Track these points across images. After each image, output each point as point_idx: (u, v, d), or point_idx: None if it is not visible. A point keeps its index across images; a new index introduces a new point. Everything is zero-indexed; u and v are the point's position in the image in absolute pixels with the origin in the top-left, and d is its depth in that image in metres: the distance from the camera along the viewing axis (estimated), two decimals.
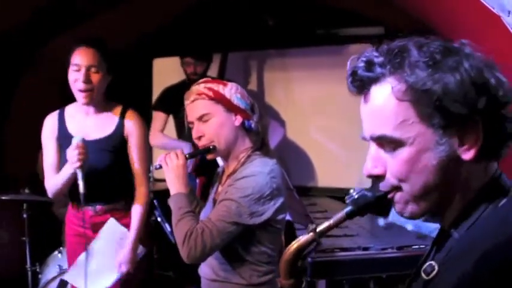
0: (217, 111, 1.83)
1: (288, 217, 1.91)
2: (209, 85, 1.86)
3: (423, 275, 0.87)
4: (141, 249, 2.41)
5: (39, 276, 3.17)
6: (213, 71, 3.96)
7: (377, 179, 0.90)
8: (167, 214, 2.62)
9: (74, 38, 2.37)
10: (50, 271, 3.05)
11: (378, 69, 0.86)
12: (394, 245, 2.39)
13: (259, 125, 1.89)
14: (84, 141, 2.18)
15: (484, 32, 2.15)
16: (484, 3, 2.02)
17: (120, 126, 2.39)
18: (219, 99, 1.83)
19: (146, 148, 2.46)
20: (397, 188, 0.89)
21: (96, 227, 2.40)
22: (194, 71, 3.63)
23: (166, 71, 4.43)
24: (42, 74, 3.62)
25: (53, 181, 2.35)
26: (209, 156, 1.91)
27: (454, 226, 0.88)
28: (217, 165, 2.12)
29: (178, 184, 1.83)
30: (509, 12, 1.97)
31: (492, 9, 2.01)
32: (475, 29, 2.28)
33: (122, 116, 2.40)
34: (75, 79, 2.28)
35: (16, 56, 3.40)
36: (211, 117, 1.83)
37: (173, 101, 3.59)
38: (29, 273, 3.17)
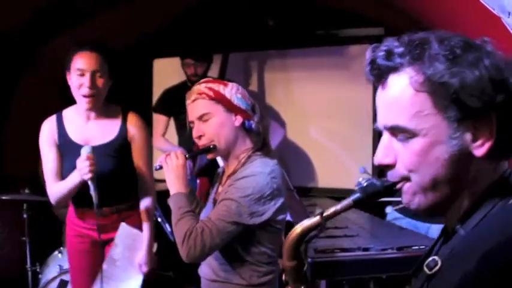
0: (217, 111, 1.84)
1: (288, 217, 1.91)
2: (210, 85, 1.86)
3: (426, 269, 0.87)
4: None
5: (40, 276, 3.17)
6: (213, 71, 3.97)
7: (386, 168, 0.91)
8: (167, 214, 2.62)
9: (73, 40, 2.35)
10: (50, 271, 3.05)
11: (397, 59, 0.87)
12: (394, 246, 2.39)
13: (260, 126, 1.89)
14: (93, 151, 2.15)
15: (484, 33, 2.15)
16: (484, 4, 2.03)
17: (123, 131, 2.37)
18: (220, 99, 1.83)
19: (149, 150, 2.46)
20: (406, 179, 0.89)
21: (101, 229, 2.40)
22: (195, 72, 3.63)
23: (166, 72, 4.43)
24: (42, 74, 3.62)
25: (57, 188, 2.32)
26: (209, 156, 1.91)
27: (460, 223, 0.88)
28: (218, 166, 2.12)
29: (178, 184, 1.83)
30: (509, 14, 1.97)
31: (492, 10, 2.01)
32: (475, 30, 2.29)
33: (124, 120, 2.39)
34: (80, 84, 2.25)
35: (16, 56, 3.40)
36: (211, 116, 1.84)
37: (174, 103, 3.59)
38: (29, 273, 3.18)
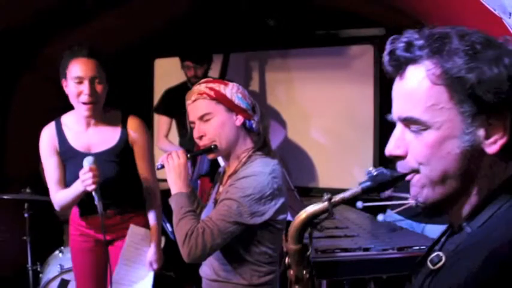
0: (218, 111, 1.84)
1: (289, 217, 1.91)
2: (210, 85, 1.86)
3: (429, 264, 0.88)
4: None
5: (40, 275, 3.18)
6: (214, 71, 3.97)
7: (397, 159, 0.92)
8: (168, 214, 2.63)
9: (73, 41, 2.30)
10: (51, 270, 3.06)
11: (417, 51, 0.87)
12: (394, 246, 2.39)
13: (260, 125, 1.89)
14: (95, 162, 2.14)
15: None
16: (485, 4, 2.03)
17: (124, 137, 2.36)
18: (220, 99, 1.83)
19: (152, 152, 2.46)
20: (415, 171, 0.90)
21: (106, 229, 2.41)
22: (195, 74, 3.63)
23: (168, 72, 4.43)
24: (42, 74, 3.62)
25: (61, 196, 2.32)
26: (210, 156, 1.91)
27: (466, 220, 0.89)
28: (219, 165, 2.12)
29: (179, 183, 1.83)
30: (510, 14, 1.97)
31: (493, 10, 2.01)
32: None
33: (124, 125, 2.37)
34: (79, 92, 2.22)
35: (16, 56, 3.40)
36: (212, 116, 1.84)
37: (175, 103, 3.59)
38: (30, 272, 3.18)
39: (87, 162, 2.13)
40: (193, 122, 1.88)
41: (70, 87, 2.24)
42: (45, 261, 3.22)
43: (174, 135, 3.93)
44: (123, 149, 2.36)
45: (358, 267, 2.33)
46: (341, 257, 2.31)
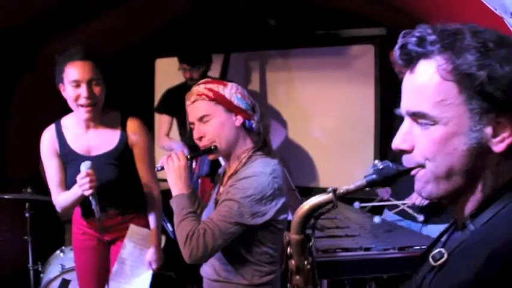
0: (217, 111, 1.84)
1: (289, 217, 1.91)
2: (209, 86, 1.86)
3: (431, 260, 0.88)
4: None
5: (41, 275, 3.18)
6: (215, 71, 3.97)
7: (403, 153, 0.92)
8: (169, 214, 2.63)
9: (64, 47, 2.24)
10: (52, 270, 3.06)
11: (429, 46, 0.87)
12: (395, 246, 2.39)
13: (260, 125, 1.89)
14: (93, 166, 2.13)
15: None
16: (486, 4, 2.02)
17: (124, 138, 2.35)
18: (219, 99, 1.83)
19: (151, 153, 2.46)
20: (421, 166, 0.90)
21: (107, 230, 2.42)
22: (190, 76, 3.64)
23: (168, 71, 4.43)
24: (42, 73, 3.62)
25: (62, 199, 2.33)
26: (210, 157, 1.91)
27: (470, 218, 0.89)
28: (219, 165, 2.12)
29: (180, 185, 1.83)
30: (511, 14, 1.97)
31: (494, 10, 2.01)
32: None
33: (124, 127, 2.36)
34: (77, 95, 2.20)
35: (16, 56, 3.41)
36: (211, 117, 1.83)
37: (176, 103, 3.59)
38: (31, 272, 3.18)
39: (85, 166, 2.12)
40: (192, 123, 1.88)
41: (68, 91, 2.22)
42: (46, 261, 3.22)
43: (175, 134, 3.93)
44: (123, 151, 2.35)
45: (359, 267, 2.33)
46: (342, 256, 2.31)
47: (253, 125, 1.87)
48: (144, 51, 4.47)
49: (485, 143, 0.85)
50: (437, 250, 0.88)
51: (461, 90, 0.84)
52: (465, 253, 0.84)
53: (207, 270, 1.92)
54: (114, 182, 2.32)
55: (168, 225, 3.36)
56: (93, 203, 2.13)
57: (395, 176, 0.93)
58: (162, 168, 1.87)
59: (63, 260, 3.06)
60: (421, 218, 2.92)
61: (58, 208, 2.37)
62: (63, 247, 3.19)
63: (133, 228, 2.42)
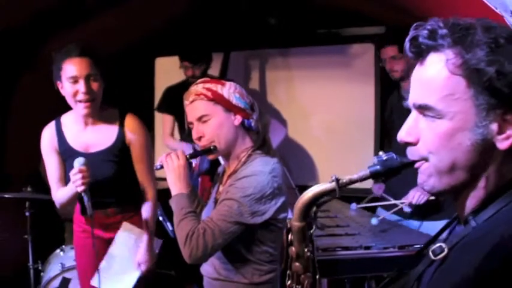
0: (216, 111, 1.83)
1: (289, 215, 1.91)
2: (208, 85, 1.85)
3: (431, 254, 0.88)
4: (156, 242, 2.44)
5: (41, 274, 3.18)
6: (214, 70, 3.96)
7: (407, 145, 0.92)
8: (169, 213, 2.63)
9: (56, 48, 2.28)
10: (52, 269, 3.06)
11: (439, 40, 0.87)
12: (395, 244, 2.39)
13: (259, 124, 1.89)
14: (86, 163, 2.13)
15: None
16: (487, 2, 2.02)
17: (121, 136, 2.35)
18: (218, 99, 1.83)
19: (149, 152, 2.44)
20: (424, 159, 0.90)
21: (107, 227, 2.42)
22: (193, 74, 3.63)
23: (168, 70, 4.43)
24: (42, 73, 3.62)
25: (60, 194, 2.33)
26: (210, 157, 1.91)
27: (472, 214, 0.89)
28: (219, 164, 2.12)
29: (179, 184, 1.83)
30: (511, 12, 1.96)
31: (495, 9, 2.01)
32: None
33: (122, 124, 2.37)
34: (75, 91, 2.21)
35: (16, 56, 3.40)
36: (210, 117, 1.83)
37: (176, 102, 3.60)
38: (31, 271, 3.18)
39: (78, 163, 2.12)
40: (191, 123, 1.88)
41: (66, 87, 2.23)
42: (46, 259, 3.22)
43: (176, 133, 3.94)
44: (121, 148, 2.36)
45: (359, 266, 2.33)
46: (342, 255, 2.32)
47: (252, 124, 1.87)
48: (143, 50, 4.47)
49: (490, 139, 0.85)
50: (438, 245, 0.88)
51: (469, 85, 0.84)
52: (466, 248, 0.84)
53: (207, 269, 1.92)
54: (112, 179, 2.32)
55: (168, 224, 3.36)
56: (85, 199, 2.12)
57: (399, 168, 0.93)
58: (161, 167, 1.86)
59: (63, 258, 3.06)
60: (408, 209, 2.89)
61: (57, 204, 2.37)
62: (63, 246, 3.19)
63: (126, 226, 2.40)
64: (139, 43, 4.33)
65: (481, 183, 0.88)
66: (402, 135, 0.92)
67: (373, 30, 4.02)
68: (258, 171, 1.78)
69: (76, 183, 2.11)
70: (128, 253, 2.40)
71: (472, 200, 0.89)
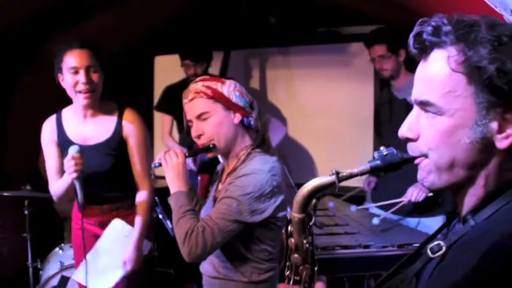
0: (216, 109, 1.83)
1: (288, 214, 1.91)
2: (207, 83, 1.85)
3: (429, 252, 0.88)
4: (146, 244, 2.42)
5: (40, 272, 3.18)
6: (215, 69, 3.96)
7: (407, 141, 0.93)
8: (168, 211, 2.63)
9: (58, 42, 2.31)
10: (51, 267, 3.06)
11: (443, 36, 0.87)
12: (394, 243, 2.39)
13: (258, 122, 1.89)
14: (80, 151, 2.14)
15: None
16: (486, 1, 2.02)
17: (119, 129, 2.36)
18: (218, 97, 1.82)
19: (146, 147, 2.42)
20: (424, 156, 0.90)
21: (103, 225, 2.42)
22: (194, 72, 3.63)
23: (168, 69, 4.43)
24: (42, 72, 3.62)
25: (56, 186, 2.34)
26: (209, 155, 1.90)
27: (471, 213, 0.89)
28: (218, 162, 2.12)
29: (178, 182, 1.83)
30: (511, 11, 1.96)
31: (494, 8, 2.00)
32: None
33: (120, 118, 2.37)
34: (75, 82, 2.24)
35: (16, 55, 3.40)
36: (210, 115, 1.83)
37: (175, 101, 3.60)
38: (30, 269, 3.18)
39: (72, 150, 2.14)
40: (190, 121, 1.87)
41: (66, 79, 2.26)
42: (45, 258, 3.23)
43: (174, 133, 3.94)
44: (118, 141, 2.36)
45: (358, 264, 2.33)
46: (341, 254, 2.32)
47: (252, 122, 1.86)
48: (143, 48, 4.47)
49: (489, 138, 0.85)
50: (436, 243, 0.88)
51: (470, 83, 0.84)
52: (465, 247, 0.84)
53: (206, 267, 1.92)
54: (109, 172, 2.33)
55: (168, 222, 3.36)
56: (77, 186, 2.13)
57: (399, 164, 0.93)
58: (160, 165, 1.86)
59: (62, 257, 3.06)
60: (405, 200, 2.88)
61: (54, 197, 2.38)
62: (62, 244, 3.20)
63: (117, 223, 2.38)
64: (139, 42, 4.33)
65: (481, 182, 0.88)
66: (403, 130, 0.92)
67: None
68: (257, 170, 1.78)
69: (69, 170, 2.12)
70: (114, 250, 2.36)
71: (472, 198, 0.89)
